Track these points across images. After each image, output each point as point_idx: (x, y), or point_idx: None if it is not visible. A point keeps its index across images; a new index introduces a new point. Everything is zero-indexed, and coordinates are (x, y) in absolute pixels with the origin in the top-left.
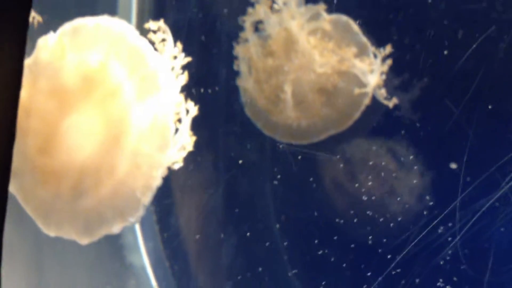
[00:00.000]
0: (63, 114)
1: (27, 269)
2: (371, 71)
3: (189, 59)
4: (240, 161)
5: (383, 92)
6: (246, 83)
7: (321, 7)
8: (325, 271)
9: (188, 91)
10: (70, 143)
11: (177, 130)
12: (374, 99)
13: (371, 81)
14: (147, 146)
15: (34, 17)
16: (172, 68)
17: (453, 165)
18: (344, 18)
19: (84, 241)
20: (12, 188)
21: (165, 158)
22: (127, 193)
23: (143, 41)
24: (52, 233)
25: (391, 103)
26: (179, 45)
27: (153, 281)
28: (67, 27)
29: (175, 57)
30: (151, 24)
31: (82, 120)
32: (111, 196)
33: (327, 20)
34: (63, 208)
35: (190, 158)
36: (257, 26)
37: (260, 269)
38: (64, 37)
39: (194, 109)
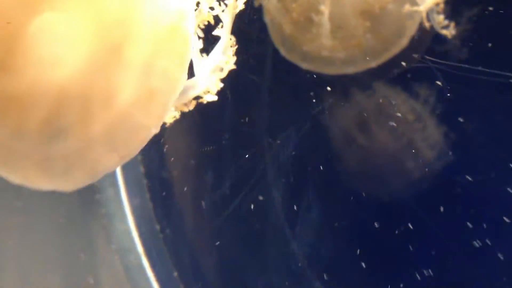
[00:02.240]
0: (29, 11)
1: None
2: None
3: None
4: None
5: (440, 18)
6: (268, 2)
7: None
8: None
9: None
10: (41, 55)
11: (211, 38)
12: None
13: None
14: (164, 60)
15: None
16: None
17: None
18: None
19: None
20: None
21: (195, 80)
22: (130, 128)
23: None
24: (17, 181)
25: (449, 32)
26: None
27: (140, 248)
28: None
29: None
30: None
31: (60, 20)
32: (106, 136)
33: None
34: (30, 152)
35: None
36: None
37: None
38: None
39: (239, 2)
